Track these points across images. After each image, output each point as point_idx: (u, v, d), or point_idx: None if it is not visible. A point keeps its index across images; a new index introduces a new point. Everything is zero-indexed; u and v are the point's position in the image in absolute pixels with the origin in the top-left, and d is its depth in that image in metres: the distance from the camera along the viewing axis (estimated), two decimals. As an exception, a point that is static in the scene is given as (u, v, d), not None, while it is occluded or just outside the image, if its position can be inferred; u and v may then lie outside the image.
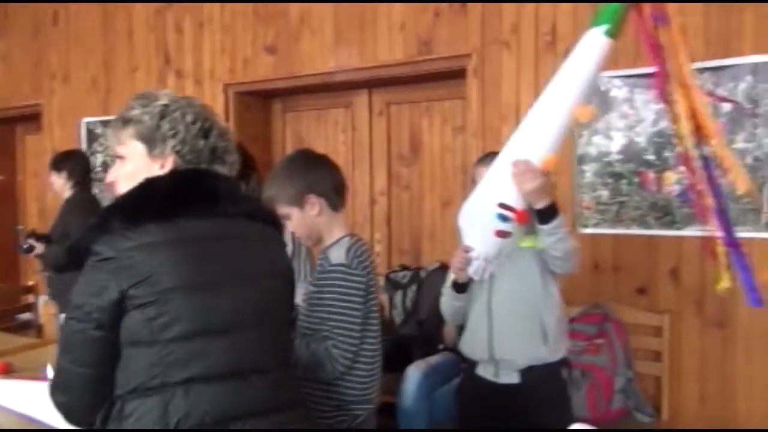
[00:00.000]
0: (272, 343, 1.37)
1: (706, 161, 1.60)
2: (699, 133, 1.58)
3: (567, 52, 2.91)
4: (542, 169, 1.73)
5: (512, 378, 1.96)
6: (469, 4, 3.21)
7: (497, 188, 1.79)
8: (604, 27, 1.69)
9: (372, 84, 3.74)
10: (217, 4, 4.02)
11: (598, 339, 2.75)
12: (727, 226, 1.62)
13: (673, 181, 2.79)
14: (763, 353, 2.65)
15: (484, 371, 2.02)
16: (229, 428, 1.25)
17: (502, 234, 1.78)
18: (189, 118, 1.36)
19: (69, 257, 1.33)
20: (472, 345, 2.04)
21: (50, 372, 1.55)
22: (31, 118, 5.17)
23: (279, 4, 3.80)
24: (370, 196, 3.86)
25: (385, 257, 3.82)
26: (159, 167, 1.35)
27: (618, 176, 2.90)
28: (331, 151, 3.96)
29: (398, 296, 3.41)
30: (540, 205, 1.75)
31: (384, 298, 3.41)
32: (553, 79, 1.80)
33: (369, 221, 3.86)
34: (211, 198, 1.34)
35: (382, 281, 3.42)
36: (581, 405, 2.59)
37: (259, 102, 4.16)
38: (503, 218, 1.76)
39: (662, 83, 1.62)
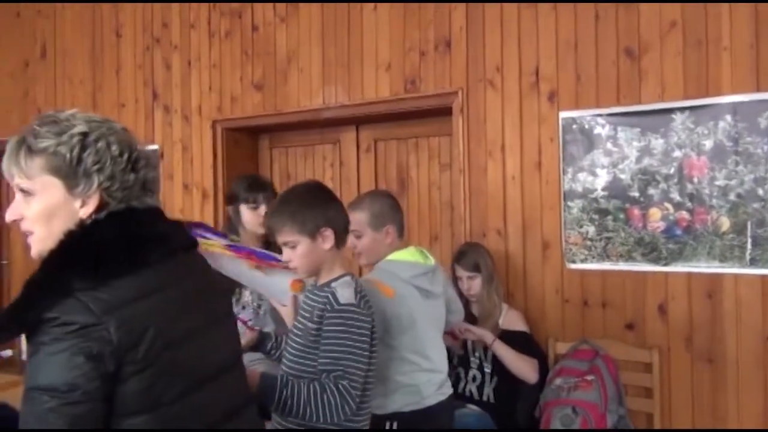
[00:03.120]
0: (243, 379, 1.36)
1: None
2: None
3: (550, 92, 3.01)
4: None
5: None
6: (454, 44, 3.27)
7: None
8: None
9: (359, 121, 3.77)
10: (205, 42, 4.05)
11: (589, 375, 2.75)
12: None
13: (658, 217, 2.82)
14: (752, 386, 2.66)
15: None
16: None
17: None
18: (114, 148, 1.17)
19: (16, 327, 1.08)
20: None
21: None
22: (17, 153, 5.14)
23: (266, 43, 3.84)
24: (358, 231, 3.87)
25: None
26: (80, 205, 1.16)
27: (604, 212, 2.93)
28: (319, 186, 3.98)
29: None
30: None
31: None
32: None
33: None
34: (164, 236, 1.22)
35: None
36: (573, 443, 2.58)
37: (247, 138, 4.17)
38: None
39: None
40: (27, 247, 1.20)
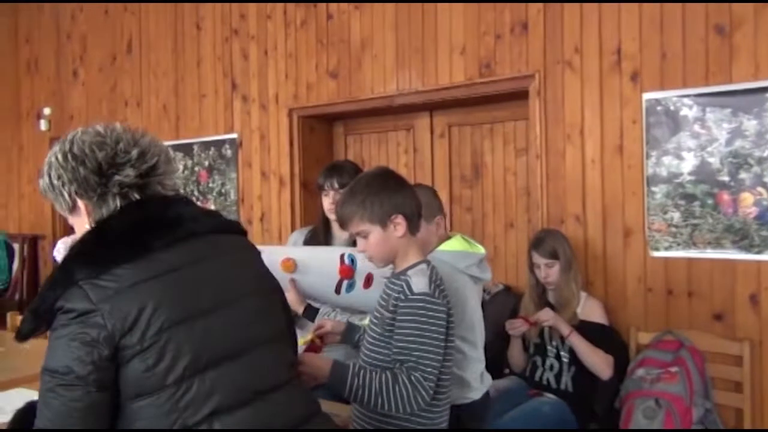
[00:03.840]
0: (280, 356, 1.35)
1: None
2: None
3: (633, 72, 2.89)
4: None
5: None
6: (531, 25, 3.19)
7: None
8: None
9: (433, 106, 3.75)
10: (281, 32, 4.12)
11: (674, 367, 2.65)
12: None
13: (750, 202, 2.67)
14: None
15: None
16: None
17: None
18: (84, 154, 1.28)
19: (33, 321, 1.19)
20: None
21: None
22: (107, 144, 5.41)
23: (341, 31, 3.86)
24: (432, 218, 3.85)
25: (448, 279, 3.79)
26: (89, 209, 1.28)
27: (690, 198, 2.80)
28: (393, 172, 3.99)
29: (462, 319, 3.39)
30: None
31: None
32: None
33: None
34: (176, 222, 1.25)
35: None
36: (657, 435, 2.50)
37: (322, 125, 4.23)
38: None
39: None
40: None
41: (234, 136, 4.38)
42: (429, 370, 1.61)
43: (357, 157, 4.19)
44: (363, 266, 2.21)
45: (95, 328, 1.12)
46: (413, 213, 1.74)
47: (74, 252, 1.20)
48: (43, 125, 5.74)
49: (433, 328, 1.63)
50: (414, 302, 1.64)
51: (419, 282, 1.66)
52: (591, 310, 2.78)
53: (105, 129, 1.31)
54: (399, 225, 1.71)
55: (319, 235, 2.59)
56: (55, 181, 1.29)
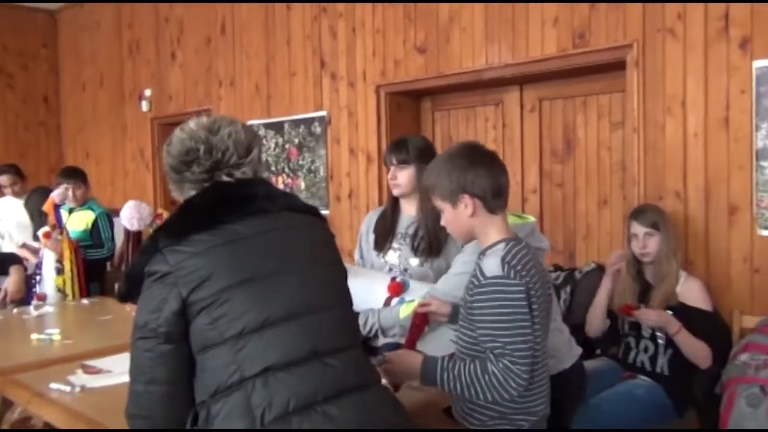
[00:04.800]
0: (341, 324, 1.42)
1: None
2: None
3: (743, 39, 2.69)
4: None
5: None
6: (630, -8, 3.03)
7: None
8: None
9: (523, 80, 3.65)
10: (369, 8, 4.12)
11: (781, 353, 2.49)
12: None
13: None
14: None
15: None
16: (315, 411, 1.27)
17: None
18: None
19: (127, 284, 1.40)
20: None
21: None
22: (203, 123, 5.64)
23: (429, 5, 3.82)
24: (521, 194, 3.78)
25: (537, 257, 3.72)
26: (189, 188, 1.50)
27: (805, 173, 2.60)
28: (481, 148, 3.94)
29: (551, 298, 3.32)
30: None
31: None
32: None
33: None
34: (247, 199, 1.42)
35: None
36: (762, 423, 2.36)
37: (409, 101, 4.22)
38: None
39: None
40: None
41: (323, 113, 4.45)
42: (518, 354, 1.57)
43: (444, 133, 4.16)
44: (415, 287, 2.28)
45: (169, 287, 1.31)
46: (486, 193, 1.67)
47: (161, 225, 1.40)
48: (144, 106, 6.04)
49: (513, 310, 1.59)
50: (487, 287, 1.61)
51: (490, 265, 1.62)
52: (691, 291, 2.65)
53: (186, 129, 1.49)
54: (468, 204, 1.67)
55: (387, 214, 2.57)
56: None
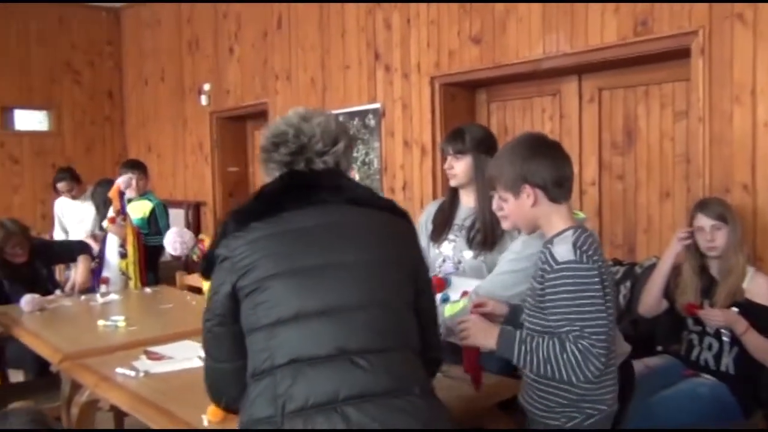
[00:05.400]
0: (380, 324, 1.36)
1: None
2: None
3: (820, 22, 2.55)
4: None
5: None
6: (696, -24, 2.92)
7: None
8: None
9: (582, 69, 3.57)
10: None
11: None
12: None
13: None
14: None
15: None
16: (335, 410, 1.25)
17: None
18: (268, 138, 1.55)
19: (204, 263, 1.49)
20: None
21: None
22: (259, 115, 5.74)
23: (485, -6, 3.77)
24: (579, 187, 3.70)
25: (595, 251, 3.64)
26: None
27: None
28: (537, 140, 3.87)
29: (610, 293, 3.24)
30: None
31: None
32: None
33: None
34: (311, 189, 1.44)
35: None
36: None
37: (464, 93, 4.18)
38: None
39: None
40: None
41: (377, 106, 4.45)
42: (596, 337, 1.56)
43: (500, 125, 4.11)
44: (458, 283, 2.27)
45: (225, 271, 1.39)
46: (548, 183, 1.65)
47: (233, 210, 1.46)
48: (203, 100, 6.19)
49: (589, 293, 1.57)
50: (560, 271, 1.60)
51: (562, 250, 1.61)
52: (759, 287, 2.53)
53: (284, 116, 1.55)
54: (530, 194, 1.66)
55: (445, 205, 2.54)
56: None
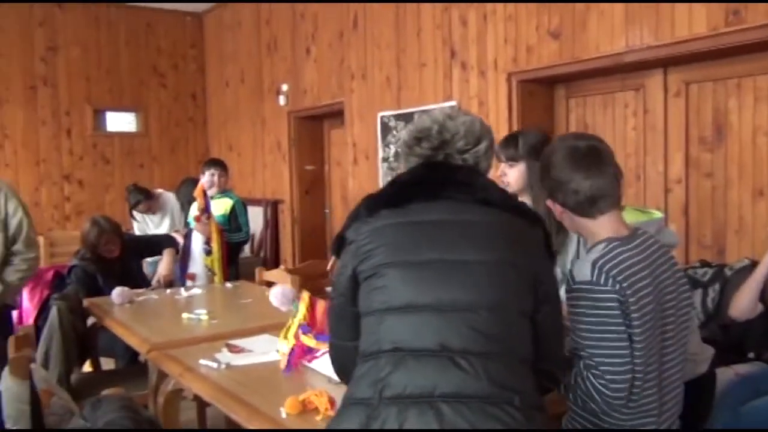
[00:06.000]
0: (492, 329, 1.31)
1: None
2: None
3: None
4: None
5: None
6: (795, -40, 2.74)
7: None
8: None
9: (668, 62, 3.42)
10: (501, -6, 4.04)
11: None
12: None
13: None
14: None
15: None
16: (430, 404, 1.23)
17: None
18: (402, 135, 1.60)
19: (334, 244, 1.53)
20: None
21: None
22: (335, 115, 5.82)
23: (564, -13, 3.67)
24: (664, 185, 3.56)
25: (683, 251, 3.48)
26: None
27: None
28: (619, 136, 3.75)
29: (697, 296, 3.09)
30: None
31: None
32: None
33: (662, 212, 3.56)
34: (441, 184, 1.45)
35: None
36: None
37: (542, 89, 4.09)
38: None
39: None
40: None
41: (453, 103, 4.42)
42: (605, 368, 1.47)
43: (580, 122, 3.99)
44: None
45: (350, 255, 1.44)
46: (571, 201, 1.59)
47: (367, 196, 1.51)
48: (281, 100, 6.33)
49: (602, 319, 1.48)
50: (575, 292, 1.53)
51: (580, 269, 1.54)
52: None
53: (430, 112, 1.59)
54: (556, 208, 1.63)
55: None
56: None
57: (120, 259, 3.69)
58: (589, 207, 1.59)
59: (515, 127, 4.01)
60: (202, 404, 3.28)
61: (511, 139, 2.32)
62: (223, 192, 4.38)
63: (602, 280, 1.49)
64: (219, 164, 4.44)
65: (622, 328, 1.48)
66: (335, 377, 1.95)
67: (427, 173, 1.48)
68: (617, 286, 1.48)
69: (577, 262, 1.57)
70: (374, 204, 1.46)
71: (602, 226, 1.60)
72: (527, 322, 1.38)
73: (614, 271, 1.49)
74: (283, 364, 2.07)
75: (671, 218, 3.54)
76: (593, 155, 1.60)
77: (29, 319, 3.43)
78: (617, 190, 1.62)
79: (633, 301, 1.48)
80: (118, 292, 3.24)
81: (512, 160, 2.27)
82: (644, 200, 3.59)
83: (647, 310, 1.50)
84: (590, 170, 1.58)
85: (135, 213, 5.32)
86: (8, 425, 1.86)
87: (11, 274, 2.91)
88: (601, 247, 1.55)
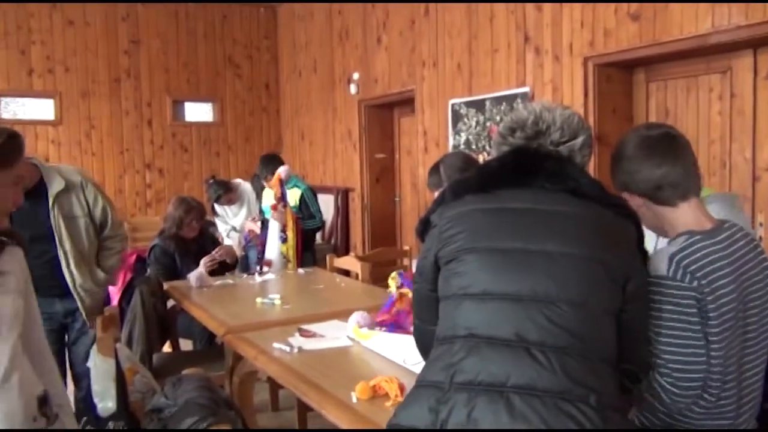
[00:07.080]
0: (572, 324, 1.25)
1: None
2: None
3: None
4: None
5: None
6: None
7: None
8: None
9: (758, 43, 3.22)
10: (578, -24, 3.91)
11: None
12: None
13: None
14: None
15: None
16: (501, 394, 1.20)
17: None
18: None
19: (419, 226, 1.54)
20: None
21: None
22: (406, 102, 5.81)
23: (646, -34, 3.52)
24: (752, 172, 3.37)
25: (770, 243, 3.30)
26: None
27: None
28: (702, 121, 3.57)
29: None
30: None
31: None
32: None
33: (750, 201, 3.38)
34: (529, 173, 1.41)
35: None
36: None
37: (620, 73, 3.95)
38: None
39: None
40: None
41: (526, 89, 4.33)
42: (671, 366, 1.41)
43: (660, 107, 3.83)
44: None
45: (433, 238, 1.44)
46: (647, 189, 1.52)
47: (454, 181, 1.52)
48: (352, 89, 6.37)
49: (674, 316, 1.40)
50: (651, 286, 1.43)
51: (656, 262, 1.44)
52: None
53: (529, 104, 1.57)
54: (633, 198, 1.55)
55: None
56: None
57: (196, 241, 3.82)
58: (667, 193, 1.51)
59: (592, 113, 3.89)
60: (275, 386, 3.36)
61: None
62: (288, 182, 4.41)
63: (679, 276, 1.41)
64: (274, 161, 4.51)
65: (698, 327, 1.40)
66: (389, 356, 1.99)
67: (517, 160, 1.45)
68: (695, 283, 1.40)
69: (653, 255, 1.49)
70: (460, 188, 1.45)
71: (683, 216, 1.52)
72: (612, 321, 1.32)
73: (693, 267, 1.41)
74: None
75: (759, 207, 3.35)
76: (667, 142, 1.53)
77: (113, 301, 3.60)
78: (697, 178, 1.54)
79: (711, 299, 1.40)
80: (195, 275, 3.35)
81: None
82: (729, 188, 3.41)
83: (726, 310, 1.42)
84: (666, 157, 1.51)
85: (216, 206, 5.45)
86: (96, 400, 1.96)
87: (109, 258, 3.01)
88: (681, 240, 1.47)
